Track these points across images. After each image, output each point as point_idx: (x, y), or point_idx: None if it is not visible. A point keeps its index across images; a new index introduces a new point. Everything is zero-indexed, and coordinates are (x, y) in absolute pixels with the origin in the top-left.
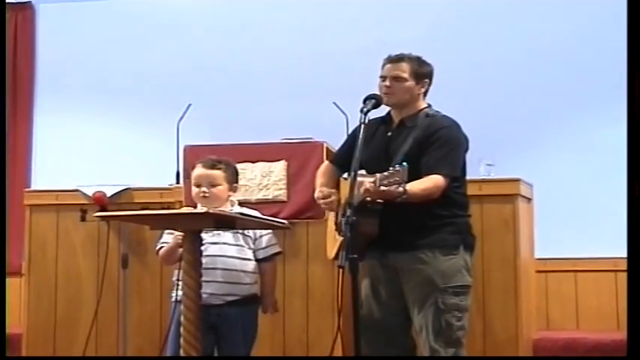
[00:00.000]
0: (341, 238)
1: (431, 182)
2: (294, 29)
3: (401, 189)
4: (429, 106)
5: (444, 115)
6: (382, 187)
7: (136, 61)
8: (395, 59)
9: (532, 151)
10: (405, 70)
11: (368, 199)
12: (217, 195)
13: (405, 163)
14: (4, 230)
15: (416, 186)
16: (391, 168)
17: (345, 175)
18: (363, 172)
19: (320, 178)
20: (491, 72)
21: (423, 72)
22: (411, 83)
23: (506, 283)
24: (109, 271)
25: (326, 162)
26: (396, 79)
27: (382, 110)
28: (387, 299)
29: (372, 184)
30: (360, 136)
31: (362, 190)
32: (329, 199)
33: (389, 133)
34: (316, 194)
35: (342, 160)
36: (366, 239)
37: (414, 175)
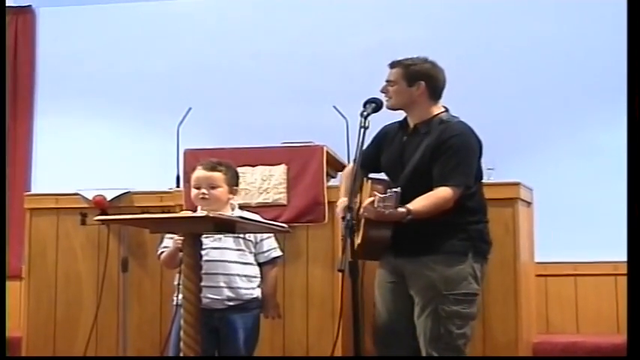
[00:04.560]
0: (358, 239)
1: (437, 196)
2: (295, 33)
3: (404, 210)
4: (446, 110)
5: (459, 121)
6: (379, 209)
7: (137, 64)
8: (390, 64)
9: (532, 154)
10: (395, 73)
11: (366, 214)
12: (217, 197)
13: (398, 188)
14: (4, 234)
15: (420, 203)
16: (389, 191)
17: (370, 175)
18: (384, 177)
19: (344, 182)
20: (491, 76)
21: (413, 74)
22: (401, 86)
23: (506, 287)
24: (109, 275)
25: (351, 163)
26: (389, 82)
27: (397, 115)
28: (395, 302)
29: (370, 205)
30: (360, 141)
31: (362, 209)
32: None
33: (404, 139)
34: (338, 208)
35: (366, 162)
36: (381, 246)
37: (426, 183)
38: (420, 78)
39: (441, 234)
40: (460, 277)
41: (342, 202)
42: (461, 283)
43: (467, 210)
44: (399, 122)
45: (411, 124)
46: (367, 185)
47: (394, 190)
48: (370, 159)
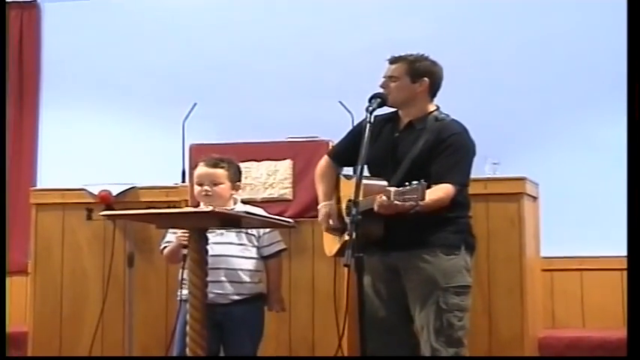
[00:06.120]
0: (344, 237)
1: (442, 192)
2: (300, 28)
3: (413, 202)
4: (438, 108)
5: (453, 120)
6: (396, 202)
7: (142, 59)
8: (391, 60)
9: (538, 149)
10: (398, 69)
11: (382, 211)
12: (219, 193)
13: (423, 181)
14: (4, 229)
15: (428, 197)
16: (407, 183)
17: (345, 172)
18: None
19: (321, 184)
20: (497, 70)
21: (418, 70)
22: (404, 82)
23: (512, 282)
24: (115, 270)
25: (324, 158)
26: (390, 78)
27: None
28: (388, 298)
29: (386, 199)
30: (366, 135)
31: (376, 205)
32: (332, 229)
33: (396, 134)
34: (321, 216)
35: (343, 156)
36: (370, 239)
37: (423, 179)
38: (424, 74)
39: (433, 227)
40: (456, 270)
41: (326, 206)
42: (457, 276)
43: (459, 205)
44: (385, 117)
45: (405, 120)
46: (347, 181)
47: (416, 182)
48: (348, 152)
